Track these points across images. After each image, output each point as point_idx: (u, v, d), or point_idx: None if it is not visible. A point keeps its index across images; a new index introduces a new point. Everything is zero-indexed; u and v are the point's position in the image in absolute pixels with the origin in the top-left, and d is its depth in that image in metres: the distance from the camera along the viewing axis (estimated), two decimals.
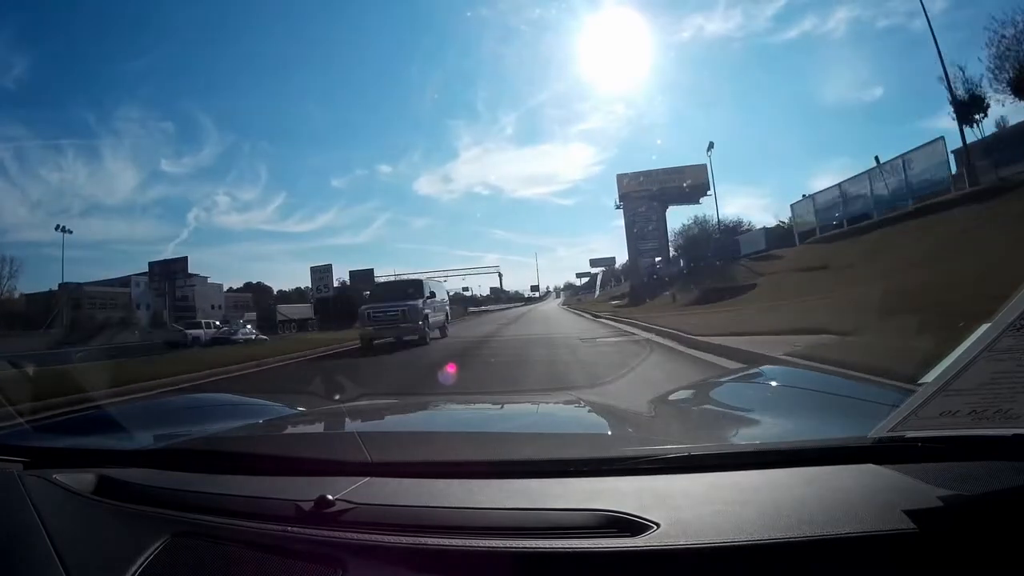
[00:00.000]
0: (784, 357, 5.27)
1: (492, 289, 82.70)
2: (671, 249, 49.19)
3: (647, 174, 49.02)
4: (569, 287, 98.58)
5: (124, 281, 55.23)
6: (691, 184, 46.53)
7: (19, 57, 79.38)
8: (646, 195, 48.29)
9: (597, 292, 64.27)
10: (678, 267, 42.49)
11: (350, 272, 57.63)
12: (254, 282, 70.05)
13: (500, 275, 75.97)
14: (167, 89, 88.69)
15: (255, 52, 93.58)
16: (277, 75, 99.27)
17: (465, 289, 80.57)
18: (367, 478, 0.87)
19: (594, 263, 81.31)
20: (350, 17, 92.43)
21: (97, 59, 75.48)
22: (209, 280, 58.88)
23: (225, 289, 64.98)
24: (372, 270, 55.20)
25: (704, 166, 47.93)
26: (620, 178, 50.05)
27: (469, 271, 75.06)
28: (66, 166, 76.89)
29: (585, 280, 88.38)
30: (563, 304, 67.25)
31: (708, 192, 47.17)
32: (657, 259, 49.33)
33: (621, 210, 50.65)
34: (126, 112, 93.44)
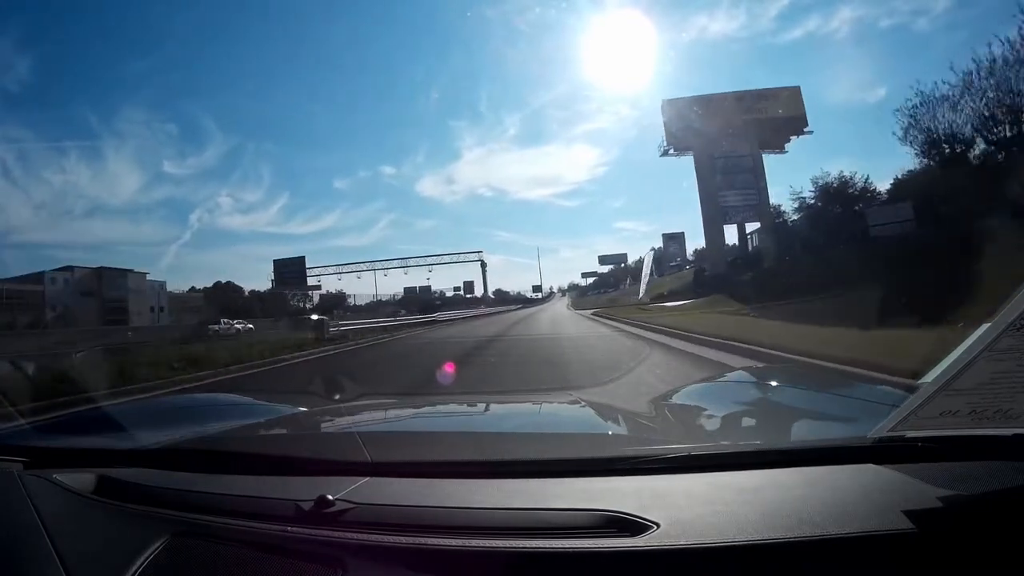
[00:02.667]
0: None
1: (466, 284, 64.73)
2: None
3: (709, 100, 30.70)
4: (574, 287, 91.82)
5: (38, 277, 44.09)
6: (782, 116, 29.01)
7: (22, 58, 79.20)
8: (723, 124, 28.92)
9: (644, 287, 41.69)
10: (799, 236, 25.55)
11: (275, 262, 43.21)
12: (223, 281, 55.82)
13: (483, 264, 57.64)
14: (170, 90, 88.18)
15: (258, 53, 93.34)
16: (280, 76, 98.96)
17: (458, 289, 66.64)
18: (367, 478, 0.87)
19: (603, 260, 75.84)
20: (353, 18, 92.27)
21: (100, 60, 75.10)
22: (148, 277, 47.22)
23: (187, 288, 53.99)
24: (304, 259, 43.76)
25: (797, 90, 30.03)
26: (669, 108, 31.49)
27: (438, 259, 54.74)
28: (69, 168, 76.03)
29: (592, 279, 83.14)
30: (572, 306, 54.18)
31: (805, 129, 30.04)
32: (744, 230, 31.64)
33: (671, 155, 32.46)
34: (129, 113, 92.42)
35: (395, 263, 54.73)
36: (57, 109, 75.10)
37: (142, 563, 0.73)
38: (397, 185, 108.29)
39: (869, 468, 0.77)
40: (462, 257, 57.43)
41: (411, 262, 55.57)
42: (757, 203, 30.19)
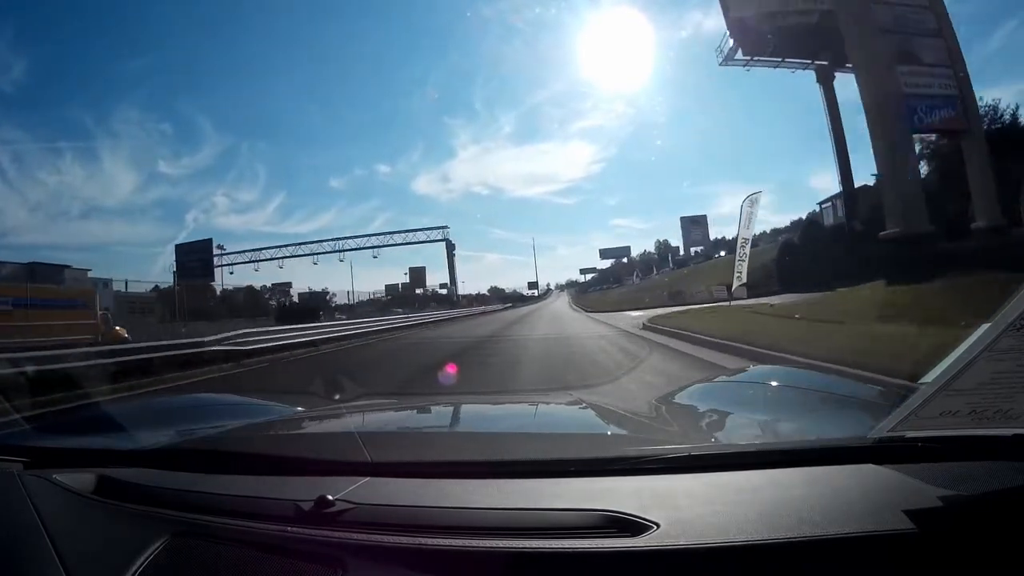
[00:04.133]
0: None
1: (414, 272, 51.18)
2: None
3: None
4: (572, 284, 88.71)
5: None
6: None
7: (16, 59, 79.19)
8: None
9: (742, 274, 18.44)
10: None
11: (177, 247, 34.04)
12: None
13: (449, 246, 44.53)
14: (165, 90, 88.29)
15: (253, 52, 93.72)
16: (276, 76, 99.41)
17: (444, 285, 51.90)
18: (367, 478, 0.87)
19: (604, 254, 73.12)
20: (348, 17, 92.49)
21: (95, 61, 75.27)
22: (90, 274, 35.08)
23: (151, 288, 40.16)
24: (210, 242, 34.98)
25: None
26: None
27: (386, 239, 42.29)
28: (65, 168, 76.20)
29: (591, 276, 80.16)
30: (576, 305, 43.82)
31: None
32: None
33: (736, 61, 22.53)
34: (124, 114, 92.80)
35: (327, 245, 42.59)
36: (52, 110, 75.34)
37: (142, 563, 0.73)
38: (393, 183, 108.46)
39: (869, 468, 0.77)
40: (421, 236, 43.87)
41: (349, 244, 42.56)
42: (957, 93, 16.09)
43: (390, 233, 44.37)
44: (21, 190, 76.83)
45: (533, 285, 76.07)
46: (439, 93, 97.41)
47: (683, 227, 53.27)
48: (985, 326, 0.65)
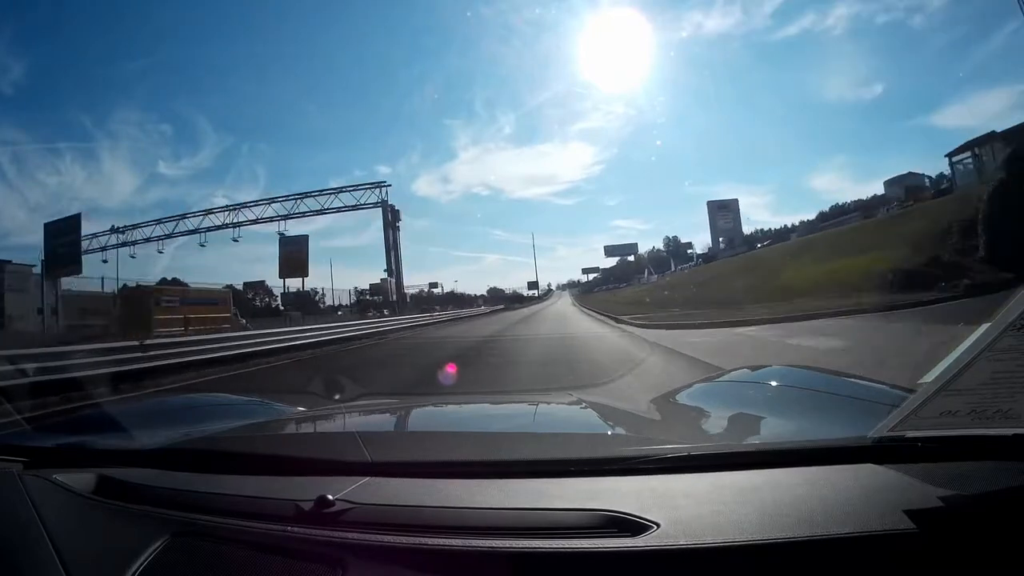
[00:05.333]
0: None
1: (284, 244, 32.91)
2: None
3: None
4: (573, 284, 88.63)
5: None
6: None
7: (15, 60, 79.06)
8: None
9: None
10: None
11: (45, 226, 28.09)
12: (170, 278, 34.85)
13: (388, 212, 31.13)
14: (164, 91, 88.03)
15: (253, 53, 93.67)
16: (275, 76, 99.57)
17: (434, 285, 41.46)
18: (367, 478, 0.87)
19: (609, 251, 69.55)
20: (348, 18, 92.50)
21: (94, 61, 75.40)
22: (35, 272, 30.42)
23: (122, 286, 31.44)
24: (78, 218, 28.28)
25: None
26: None
27: (296, 204, 30.93)
28: (64, 169, 76.39)
29: (594, 275, 78.56)
30: (585, 307, 35.37)
31: None
32: None
33: None
34: (123, 115, 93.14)
35: (221, 214, 32.10)
36: (51, 111, 75.28)
37: (142, 563, 0.73)
38: (393, 185, 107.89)
39: (869, 468, 0.77)
40: (350, 200, 29.88)
41: (248, 214, 31.02)
42: None
43: (301, 196, 29.49)
44: (21, 191, 76.90)
45: (533, 285, 75.15)
46: (439, 94, 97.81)
47: (710, 213, 43.05)
48: (985, 326, 0.65)
